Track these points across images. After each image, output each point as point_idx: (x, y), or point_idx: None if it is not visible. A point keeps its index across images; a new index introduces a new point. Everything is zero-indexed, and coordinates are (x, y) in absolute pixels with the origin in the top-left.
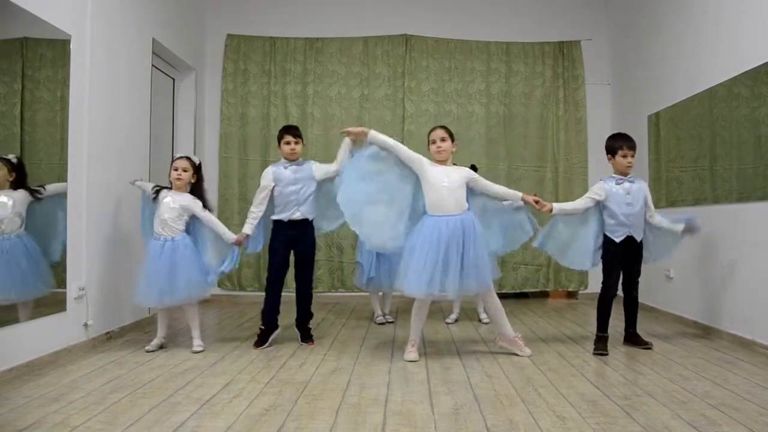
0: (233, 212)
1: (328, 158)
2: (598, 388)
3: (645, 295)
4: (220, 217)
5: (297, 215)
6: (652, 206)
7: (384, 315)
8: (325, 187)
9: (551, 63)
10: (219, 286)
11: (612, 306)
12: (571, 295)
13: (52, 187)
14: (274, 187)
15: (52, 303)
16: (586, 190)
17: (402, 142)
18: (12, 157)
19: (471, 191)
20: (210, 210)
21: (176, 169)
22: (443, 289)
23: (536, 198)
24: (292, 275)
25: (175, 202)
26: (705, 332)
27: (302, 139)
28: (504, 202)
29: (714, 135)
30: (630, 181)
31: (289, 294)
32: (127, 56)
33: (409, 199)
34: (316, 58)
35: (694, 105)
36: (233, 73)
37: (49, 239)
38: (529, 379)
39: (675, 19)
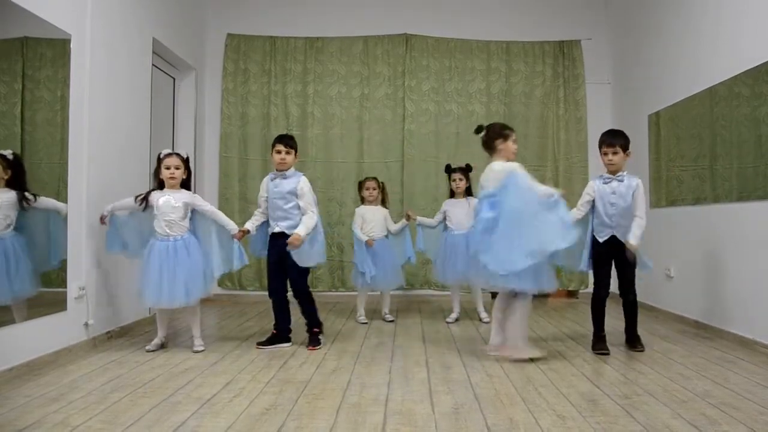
0: (233, 212)
1: (328, 157)
2: (599, 387)
3: (645, 294)
4: None
5: (276, 229)
6: (641, 207)
7: (384, 314)
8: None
9: (551, 62)
10: (219, 285)
11: (605, 305)
12: (572, 294)
13: (44, 201)
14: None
15: (53, 303)
16: None
17: (402, 142)
18: (8, 153)
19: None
20: None
21: (168, 168)
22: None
23: None
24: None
25: (177, 201)
26: (705, 331)
27: (295, 151)
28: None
29: (714, 134)
30: (619, 180)
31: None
32: (128, 56)
33: None
34: (317, 58)
35: (695, 104)
36: (233, 72)
37: (43, 247)
38: (529, 378)
39: (675, 19)
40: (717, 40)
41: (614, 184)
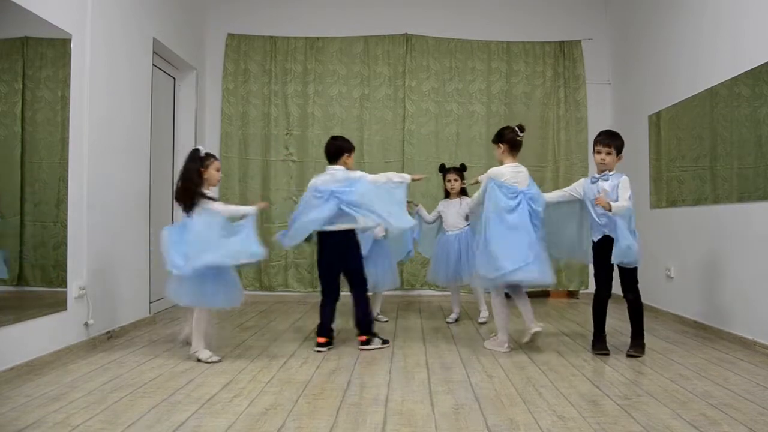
0: None
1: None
2: (599, 387)
3: (645, 294)
4: None
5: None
6: (623, 195)
7: (376, 314)
8: None
9: (552, 62)
10: None
11: (606, 306)
12: (572, 294)
13: None
14: None
15: (53, 302)
16: None
17: (402, 142)
18: None
19: None
20: None
21: (219, 170)
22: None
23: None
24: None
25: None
26: (705, 332)
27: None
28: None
29: (715, 135)
30: (605, 179)
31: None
32: (128, 55)
33: None
34: (317, 58)
35: (695, 105)
36: (234, 72)
37: None
38: (529, 378)
39: (675, 19)
40: (717, 41)
41: (600, 183)
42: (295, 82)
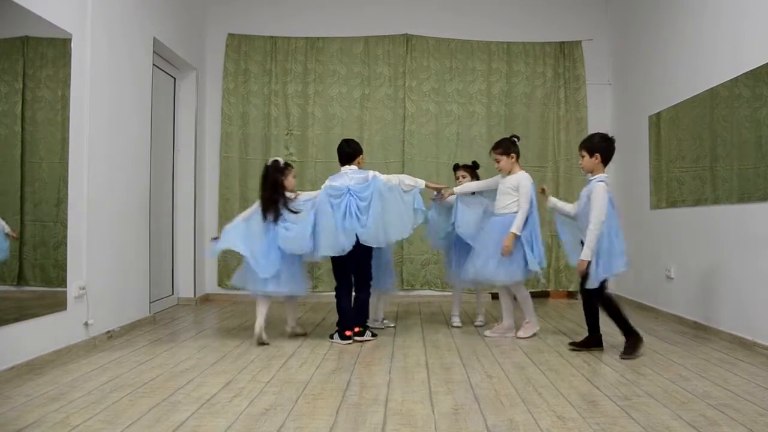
0: (233, 212)
1: (329, 158)
2: (599, 388)
3: (645, 295)
4: (220, 218)
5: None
6: (593, 211)
7: (382, 320)
8: None
9: (552, 63)
10: (219, 285)
11: (591, 304)
12: (572, 295)
13: None
14: None
15: (53, 302)
16: None
17: (403, 142)
18: None
19: None
20: None
21: (295, 176)
22: None
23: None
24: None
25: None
26: (705, 332)
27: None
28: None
29: (715, 135)
30: (587, 183)
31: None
32: (128, 55)
33: None
34: (317, 58)
35: (695, 105)
36: (234, 72)
37: None
38: (529, 379)
39: (676, 20)
40: (717, 41)
41: (583, 190)
42: (295, 82)
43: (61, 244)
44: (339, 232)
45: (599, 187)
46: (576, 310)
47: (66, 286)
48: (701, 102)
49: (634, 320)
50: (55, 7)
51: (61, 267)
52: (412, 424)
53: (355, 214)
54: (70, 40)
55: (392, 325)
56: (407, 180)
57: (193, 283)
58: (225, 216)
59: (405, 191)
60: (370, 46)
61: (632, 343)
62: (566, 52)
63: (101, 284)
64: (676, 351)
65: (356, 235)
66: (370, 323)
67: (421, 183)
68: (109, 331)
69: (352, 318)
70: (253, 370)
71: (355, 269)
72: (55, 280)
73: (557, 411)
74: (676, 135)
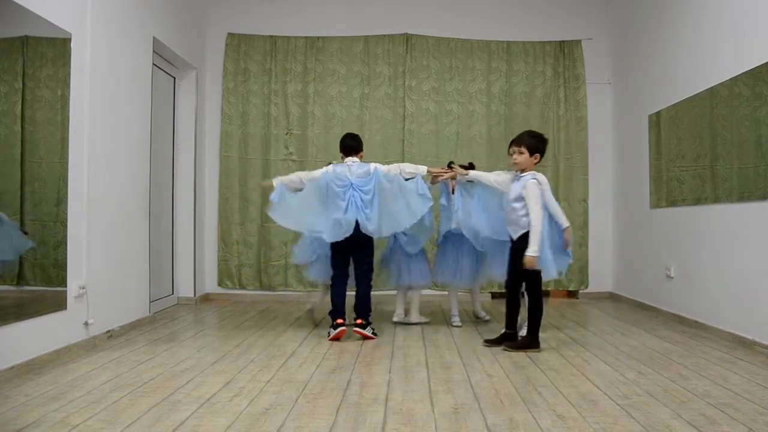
0: (233, 211)
1: (329, 157)
2: (599, 387)
3: (645, 294)
4: (220, 217)
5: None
6: (530, 206)
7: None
8: None
9: (552, 62)
10: (219, 285)
11: (511, 298)
12: (572, 294)
13: None
14: None
15: (53, 302)
16: (586, 190)
17: (402, 141)
18: None
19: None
20: None
21: None
22: None
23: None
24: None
25: None
26: (705, 332)
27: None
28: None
29: (714, 134)
30: (518, 179)
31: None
32: (128, 55)
33: None
34: (317, 57)
35: (695, 104)
36: (234, 71)
37: None
38: (529, 378)
39: (675, 19)
40: (717, 41)
41: (514, 184)
42: (295, 82)
43: (61, 243)
44: (339, 221)
45: (532, 185)
46: (576, 310)
47: (66, 286)
48: (701, 101)
49: (634, 320)
50: (55, 6)
51: (61, 266)
52: (412, 423)
53: (361, 207)
54: (69, 39)
55: (426, 320)
56: (408, 168)
57: (193, 282)
58: (225, 215)
59: (407, 179)
60: (369, 45)
61: (527, 343)
62: (566, 52)
63: (101, 284)
64: (676, 350)
65: (357, 225)
66: (399, 320)
67: (423, 169)
68: (109, 331)
69: (342, 308)
70: (253, 369)
71: (355, 260)
72: (55, 279)
73: (557, 410)
74: (676, 134)
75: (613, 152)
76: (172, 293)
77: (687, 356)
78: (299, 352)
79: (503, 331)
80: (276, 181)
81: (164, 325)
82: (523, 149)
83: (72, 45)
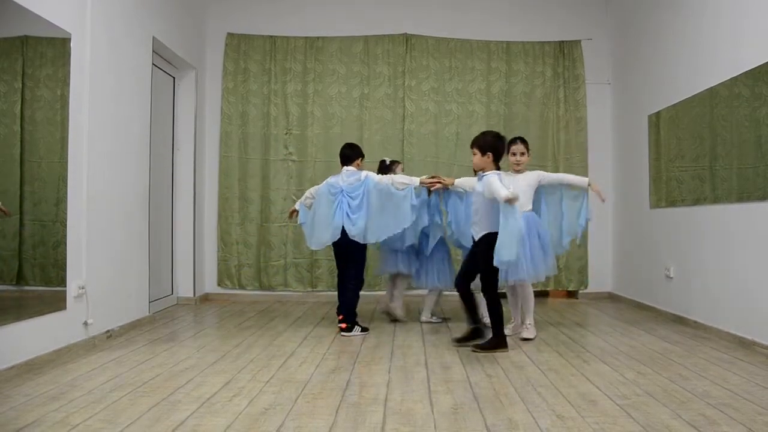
0: (233, 211)
1: (328, 157)
2: (598, 387)
3: (644, 294)
4: (219, 217)
5: None
6: (494, 187)
7: (431, 316)
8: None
9: (552, 62)
10: (219, 285)
11: (464, 294)
12: (571, 294)
13: None
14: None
15: (53, 301)
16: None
17: (402, 142)
18: None
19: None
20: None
21: (403, 170)
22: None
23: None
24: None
25: None
26: (705, 332)
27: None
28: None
29: (714, 135)
30: (479, 179)
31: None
32: (128, 55)
33: None
34: (317, 57)
35: (695, 105)
36: (233, 71)
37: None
38: (528, 378)
39: (675, 19)
40: (717, 41)
41: (477, 184)
42: (294, 82)
43: (61, 243)
44: (328, 226)
45: (491, 177)
46: (576, 310)
47: (65, 286)
48: (701, 101)
49: (634, 320)
50: (55, 6)
51: (61, 266)
52: (412, 423)
53: (347, 212)
54: (69, 39)
55: (440, 320)
56: (400, 179)
57: (192, 282)
58: (224, 215)
59: (399, 189)
60: (369, 45)
61: (495, 344)
62: (566, 52)
63: (101, 284)
64: (676, 350)
65: (344, 230)
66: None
67: (416, 180)
68: (108, 331)
69: (342, 307)
70: (253, 369)
71: (343, 264)
72: (55, 279)
73: (557, 410)
74: (676, 134)
75: (613, 152)
76: (172, 293)
77: (686, 356)
78: (299, 352)
79: (471, 326)
80: (297, 205)
81: (164, 325)
82: (475, 150)
83: (72, 45)
